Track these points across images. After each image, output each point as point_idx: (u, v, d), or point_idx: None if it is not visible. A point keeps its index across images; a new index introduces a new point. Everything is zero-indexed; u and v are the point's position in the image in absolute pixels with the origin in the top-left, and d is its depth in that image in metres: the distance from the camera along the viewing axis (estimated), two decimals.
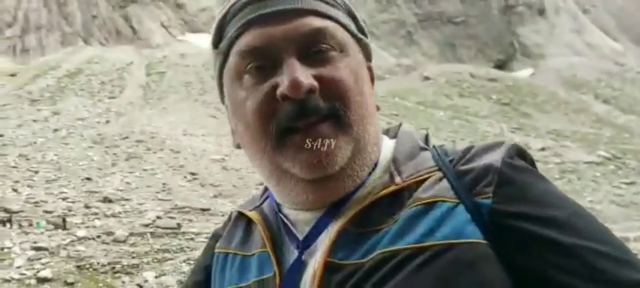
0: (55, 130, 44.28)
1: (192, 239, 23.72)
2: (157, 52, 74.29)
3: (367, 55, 0.85)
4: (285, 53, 0.74)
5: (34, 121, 46.89)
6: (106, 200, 28.71)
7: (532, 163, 0.77)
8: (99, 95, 57.12)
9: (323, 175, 0.74)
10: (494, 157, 0.74)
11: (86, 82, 60.55)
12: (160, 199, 30.00)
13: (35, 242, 21.61)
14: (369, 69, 0.85)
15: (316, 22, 0.76)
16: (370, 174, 0.79)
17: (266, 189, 0.93)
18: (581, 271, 0.65)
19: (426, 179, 0.76)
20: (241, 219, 0.93)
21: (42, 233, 22.95)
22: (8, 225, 23.69)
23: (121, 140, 42.22)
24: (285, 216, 0.84)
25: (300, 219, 0.81)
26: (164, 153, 39.73)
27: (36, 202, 27.24)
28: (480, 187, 0.72)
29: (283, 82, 0.72)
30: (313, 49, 0.76)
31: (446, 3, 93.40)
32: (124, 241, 22.69)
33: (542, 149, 49.18)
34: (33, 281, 18.27)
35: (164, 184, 33.05)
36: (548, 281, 0.66)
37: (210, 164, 37.88)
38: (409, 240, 0.70)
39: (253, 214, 0.89)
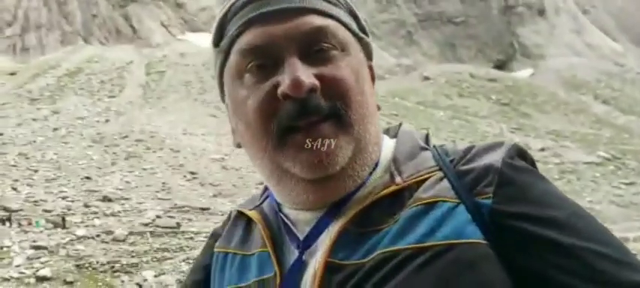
0: (55, 129, 44.25)
1: (191, 238, 23.72)
2: (157, 51, 74.25)
3: (368, 55, 0.85)
4: (287, 52, 0.74)
5: (34, 119, 46.86)
6: (106, 199, 28.70)
7: (532, 163, 0.77)
8: (99, 94, 57.08)
9: (324, 175, 0.74)
10: (495, 158, 0.74)
11: (86, 81, 60.51)
12: (159, 199, 29.99)
13: (34, 241, 21.60)
14: (370, 68, 0.84)
15: (317, 21, 0.76)
16: (371, 174, 0.79)
17: (266, 188, 0.92)
18: (581, 272, 0.65)
19: (426, 179, 0.76)
20: (241, 218, 0.93)
21: (41, 232, 22.94)
22: (8, 224, 23.69)
23: (121, 139, 42.20)
24: (286, 215, 0.83)
25: (301, 219, 0.81)
26: (164, 152, 39.71)
27: (35, 201, 27.23)
28: (480, 187, 0.72)
29: (284, 81, 0.72)
30: (314, 47, 0.75)
31: (446, 3, 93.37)
32: (124, 240, 22.69)
33: (542, 149, 49.18)
34: (32, 280, 18.26)
35: (164, 183, 33.03)
36: (548, 282, 0.66)
37: (210, 163, 37.86)
38: (410, 240, 0.70)
39: (253, 214, 0.88)
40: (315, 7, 0.77)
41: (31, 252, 20.56)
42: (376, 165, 0.80)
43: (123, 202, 28.73)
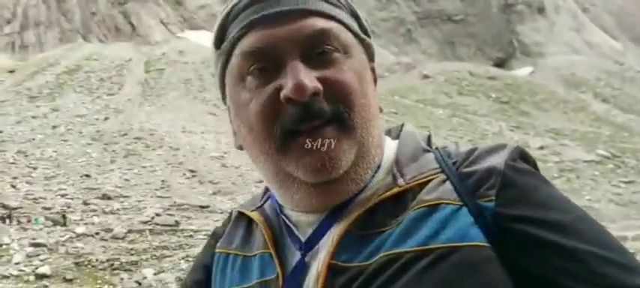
0: (54, 127, 44.22)
1: (190, 236, 23.71)
2: (156, 49, 74.12)
3: (370, 56, 0.84)
4: (289, 55, 0.73)
5: (33, 117, 46.83)
6: (105, 197, 28.68)
7: (535, 166, 0.76)
8: (98, 92, 57.00)
9: (327, 179, 0.74)
10: (498, 160, 0.73)
11: (85, 79, 60.43)
12: (158, 196, 29.97)
13: (34, 238, 21.59)
14: (372, 70, 0.84)
15: (320, 23, 0.75)
16: (373, 176, 0.79)
17: (267, 189, 0.92)
18: (584, 276, 0.64)
19: (429, 181, 0.76)
20: (242, 219, 0.92)
21: (41, 229, 22.94)
22: (7, 221, 23.68)
23: (120, 137, 42.16)
24: (287, 217, 0.83)
25: (303, 221, 0.81)
26: (163, 150, 39.68)
27: (35, 199, 27.22)
28: (483, 189, 0.72)
29: (287, 84, 0.71)
30: (317, 50, 0.74)
31: (445, 1, 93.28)
32: (123, 238, 22.68)
33: (541, 148, 49.18)
34: (31, 277, 18.26)
35: (163, 181, 33.01)
36: (550, 285, 0.66)
37: (209, 161, 37.83)
38: (413, 243, 0.70)
39: (255, 215, 0.88)
40: (317, 9, 0.76)
41: (30, 249, 20.55)
42: (378, 167, 0.80)
43: (122, 199, 28.72)
